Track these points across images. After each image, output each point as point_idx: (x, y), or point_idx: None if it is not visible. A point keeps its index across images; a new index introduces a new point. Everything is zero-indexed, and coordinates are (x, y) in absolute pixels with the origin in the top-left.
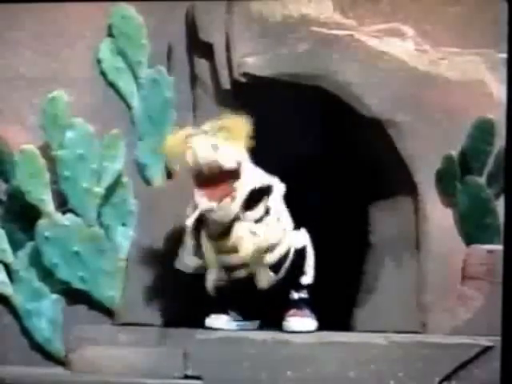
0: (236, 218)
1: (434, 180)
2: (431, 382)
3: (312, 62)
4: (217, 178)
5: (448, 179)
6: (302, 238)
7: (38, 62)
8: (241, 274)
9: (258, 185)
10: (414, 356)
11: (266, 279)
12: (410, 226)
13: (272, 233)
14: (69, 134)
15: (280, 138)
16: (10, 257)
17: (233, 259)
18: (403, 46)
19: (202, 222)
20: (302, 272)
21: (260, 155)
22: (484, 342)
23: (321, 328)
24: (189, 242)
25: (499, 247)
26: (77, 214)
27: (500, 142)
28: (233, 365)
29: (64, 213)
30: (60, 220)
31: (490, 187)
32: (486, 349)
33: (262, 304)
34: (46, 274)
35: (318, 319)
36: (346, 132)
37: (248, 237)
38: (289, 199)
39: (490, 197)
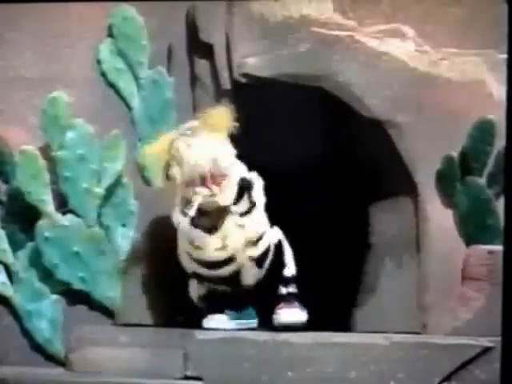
0: (223, 213)
1: (434, 180)
2: (431, 383)
3: (312, 62)
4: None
5: (448, 180)
6: (276, 234)
7: (38, 63)
8: (225, 271)
9: (242, 176)
10: (415, 356)
11: (251, 275)
12: (410, 226)
13: (258, 226)
14: (69, 135)
15: (280, 138)
16: (10, 257)
17: (220, 255)
18: (403, 47)
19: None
20: (283, 265)
21: (260, 155)
22: (484, 342)
23: (321, 328)
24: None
25: (499, 248)
26: (77, 215)
27: (500, 142)
28: (233, 365)
29: (64, 213)
30: (60, 220)
31: (491, 188)
32: (487, 349)
33: (256, 303)
34: (46, 275)
35: (318, 319)
36: (346, 132)
37: (236, 230)
38: (289, 199)
39: (490, 197)
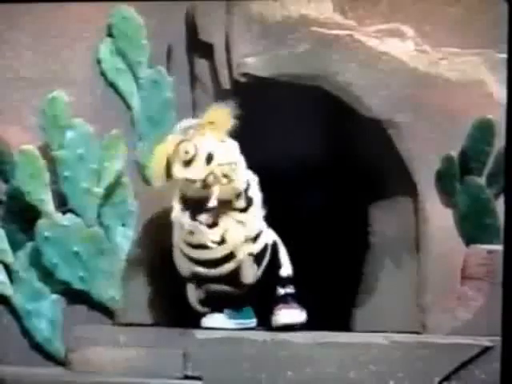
0: (223, 209)
1: (433, 180)
2: (431, 383)
3: (312, 62)
4: None
5: (448, 179)
6: (271, 234)
7: (38, 63)
8: (225, 269)
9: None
10: (414, 356)
11: (251, 272)
12: (409, 226)
13: (256, 222)
14: (69, 135)
15: (280, 138)
16: (10, 257)
17: (220, 251)
18: (403, 47)
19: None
20: (279, 266)
21: (260, 155)
22: (484, 342)
23: (321, 328)
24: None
25: (499, 247)
26: (77, 214)
27: (500, 142)
28: (233, 365)
29: (64, 213)
30: (60, 220)
31: (490, 187)
32: (486, 349)
33: (254, 303)
34: (46, 275)
35: (318, 320)
36: (345, 132)
37: (236, 226)
38: (288, 199)
39: (489, 197)
